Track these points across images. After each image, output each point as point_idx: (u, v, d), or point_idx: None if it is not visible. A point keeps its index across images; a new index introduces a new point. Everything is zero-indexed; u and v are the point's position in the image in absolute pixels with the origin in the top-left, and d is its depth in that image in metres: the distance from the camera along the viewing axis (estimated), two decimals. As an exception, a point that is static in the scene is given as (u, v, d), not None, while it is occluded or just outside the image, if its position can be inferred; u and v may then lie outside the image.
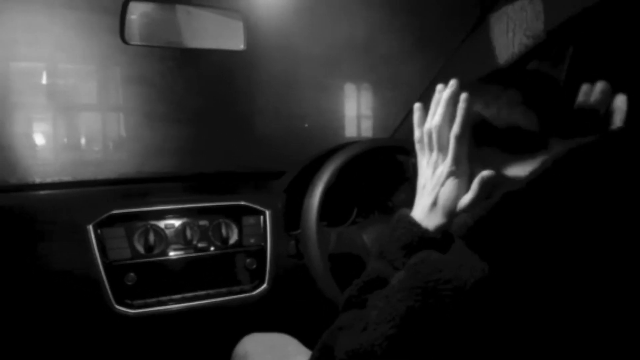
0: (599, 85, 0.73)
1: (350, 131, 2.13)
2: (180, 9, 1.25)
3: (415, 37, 1.79)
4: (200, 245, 1.34)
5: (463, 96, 0.70)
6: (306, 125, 2.00)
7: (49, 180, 1.49)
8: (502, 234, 0.53)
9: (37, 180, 1.49)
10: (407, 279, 0.60)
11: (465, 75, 1.36)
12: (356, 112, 2.11)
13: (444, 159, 0.73)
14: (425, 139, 0.75)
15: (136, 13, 1.19)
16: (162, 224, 1.32)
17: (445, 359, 0.54)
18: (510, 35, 1.19)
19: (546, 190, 0.53)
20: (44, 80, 1.63)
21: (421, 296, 0.56)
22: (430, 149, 0.75)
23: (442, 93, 0.73)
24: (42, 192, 1.39)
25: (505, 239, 0.52)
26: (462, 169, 0.71)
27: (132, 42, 1.19)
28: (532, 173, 0.54)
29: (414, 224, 0.74)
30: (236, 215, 1.40)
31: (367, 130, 2.13)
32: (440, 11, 1.67)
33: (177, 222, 1.34)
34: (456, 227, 0.59)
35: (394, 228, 0.77)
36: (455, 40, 1.40)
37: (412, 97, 1.62)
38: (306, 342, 1.19)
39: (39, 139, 1.63)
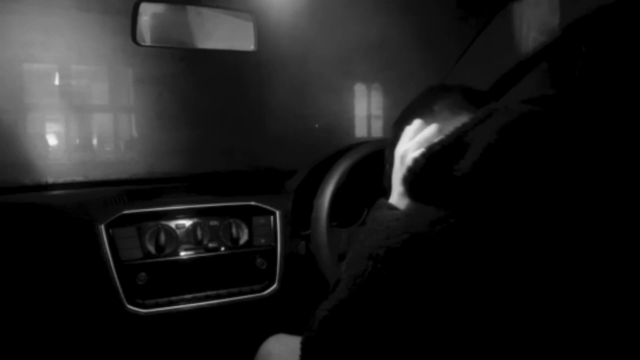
0: None
1: (361, 131, 2.12)
2: (191, 10, 1.26)
3: (426, 37, 1.79)
4: (210, 245, 1.35)
5: None
6: (317, 125, 2.00)
7: (61, 180, 1.50)
8: (431, 182, 0.58)
9: (50, 180, 1.50)
10: (368, 227, 0.65)
11: (476, 74, 1.36)
12: (367, 113, 2.11)
13: (414, 149, 0.75)
14: (411, 134, 0.79)
15: (147, 14, 1.19)
16: (173, 224, 1.33)
17: (407, 302, 0.55)
18: (523, 33, 1.18)
19: (462, 142, 0.57)
20: (56, 82, 1.64)
21: (382, 237, 0.59)
22: (409, 139, 0.79)
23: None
24: (54, 192, 1.41)
25: (436, 186, 0.57)
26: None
27: (144, 43, 1.20)
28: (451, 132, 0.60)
29: (393, 208, 0.75)
30: (246, 215, 1.40)
31: (377, 130, 2.12)
32: (450, 11, 1.67)
33: (187, 222, 1.34)
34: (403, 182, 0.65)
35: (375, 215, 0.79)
36: (466, 40, 1.40)
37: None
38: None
39: (52, 140, 1.65)
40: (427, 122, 0.80)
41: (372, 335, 0.57)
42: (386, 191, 0.88)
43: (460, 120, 0.73)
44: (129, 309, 1.25)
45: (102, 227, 1.25)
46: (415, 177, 0.60)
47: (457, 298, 0.53)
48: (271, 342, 1.23)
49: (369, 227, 0.66)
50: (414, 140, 0.78)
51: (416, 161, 0.60)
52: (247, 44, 1.28)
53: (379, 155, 1.35)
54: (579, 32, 1.00)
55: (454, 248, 0.53)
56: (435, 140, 0.69)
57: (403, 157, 0.77)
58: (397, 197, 0.78)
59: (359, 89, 2.12)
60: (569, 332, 0.52)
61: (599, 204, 0.53)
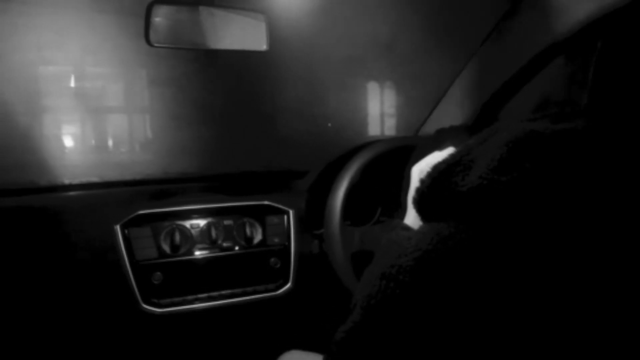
0: None
1: (374, 130, 2.11)
2: (204, 11, 1.26)
3: (439, 34, 1.77)
4: (225, 244, 1.35)
5: None
6: (329, 124, 2.00)
7: (77, 181, 1.51)
8: (438, 200, 0.58)
9: (66, 181, 1.51)
10: (382, 247, 0.66)
11: (490, 73, 1.35)
12: (379, 111, 2.10)
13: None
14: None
15: (160, 15, 1.20)
16: (187, 223, 1.34)
17: (421, 320, 0.55)
18: (537, 29, 1.17)
19: (466, 159, 0.58)
20: (70, 83, 1.65)
21: (394, 256, 0.59)
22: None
23: None
24: (70, 193, 1.42)
25: (443, 203, 0.57)
26: None
27: (157, 44, 1.20)
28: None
29: (407, 228, 0.76)
30: (260, 214, 1.41)
31: (390, 129, 2.11)
32: (464, 8, 1.65)
33: (202, 222, 1.35)
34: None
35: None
36: (479, 38, 1.39)
37: (435, 95, 1.61)
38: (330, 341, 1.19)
39: (67, 141, 1.66)
40: None
41: (388, 356, 0.57)
42: (399, 193, 0.89)
43: None
44: (145, 308, 1.26)
45: (118, 227, 1.26)
46: (423, 197, 0.61)
47: (470, 314, 0.53)
48: (284, 359, 1.22)
49: (382, 248, 0.66)
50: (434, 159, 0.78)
51: (422, 181, 0.60)
52: (259, 43, 1.28)
53: (392, 153, 1.35)
54: (595, 26, 0.99)
55: (465, 264, 0.53)
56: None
57: (421, 173, 0.77)
58: (412, 217, 0.78)
59: (372, 87, 2.11)
60: (579, 338, 0.52)
61: (607, 207, 0.52)
